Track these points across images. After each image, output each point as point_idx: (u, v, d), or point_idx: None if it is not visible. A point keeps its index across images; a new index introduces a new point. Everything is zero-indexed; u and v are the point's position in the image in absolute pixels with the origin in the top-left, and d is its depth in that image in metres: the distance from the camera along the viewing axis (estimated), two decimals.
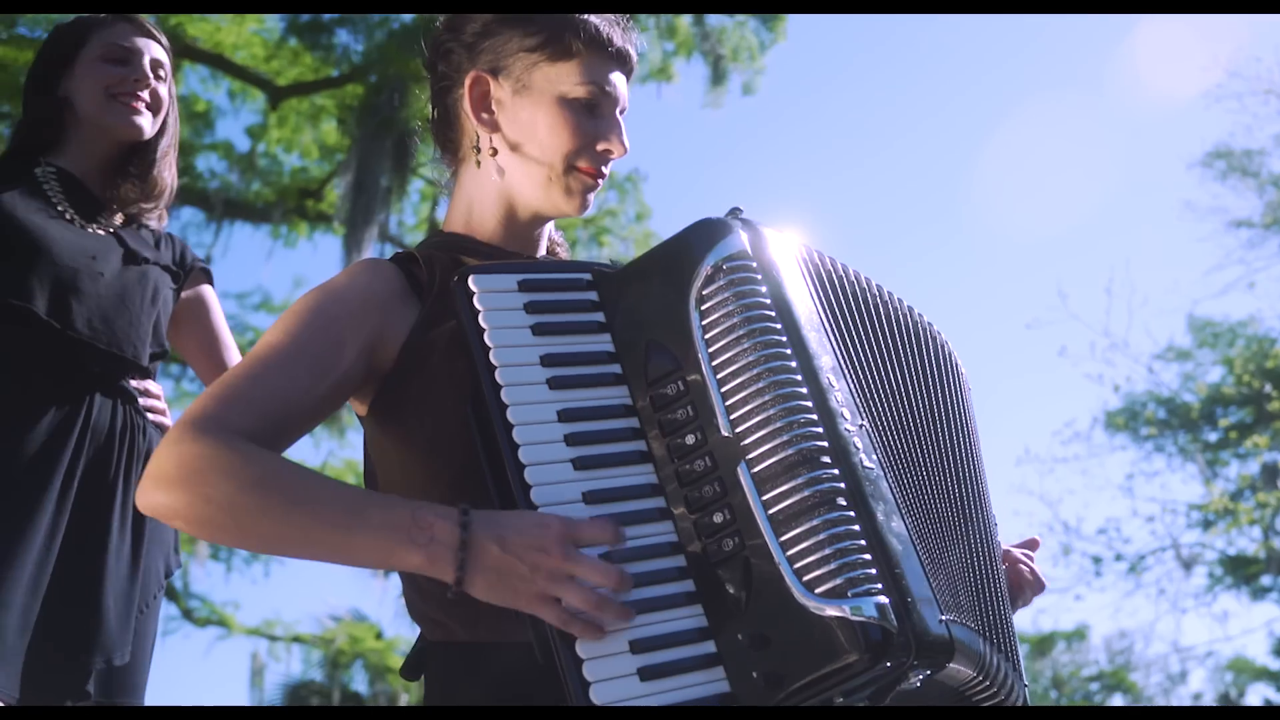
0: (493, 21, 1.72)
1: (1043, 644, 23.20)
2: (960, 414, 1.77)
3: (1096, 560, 17.60)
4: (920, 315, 1.77)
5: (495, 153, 1.72)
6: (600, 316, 1.52)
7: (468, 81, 1.72)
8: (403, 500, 1.42)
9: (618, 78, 1.73)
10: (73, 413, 2.35)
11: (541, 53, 1.69)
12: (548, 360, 1.45)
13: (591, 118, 1.70)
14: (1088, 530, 21.87)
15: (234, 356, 2.76)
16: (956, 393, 1.78)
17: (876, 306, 1.69)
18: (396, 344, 1.58)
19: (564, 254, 1.89)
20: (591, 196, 1.75)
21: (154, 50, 2.64)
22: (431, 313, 1.58)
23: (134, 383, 2.49)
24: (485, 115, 1.72)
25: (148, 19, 2.72)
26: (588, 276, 1.56)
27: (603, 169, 1.73)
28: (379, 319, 1.57)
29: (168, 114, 2.67)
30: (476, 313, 1.45)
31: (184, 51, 10.09)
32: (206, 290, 2.75)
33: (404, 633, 15.31)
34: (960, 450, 1.72)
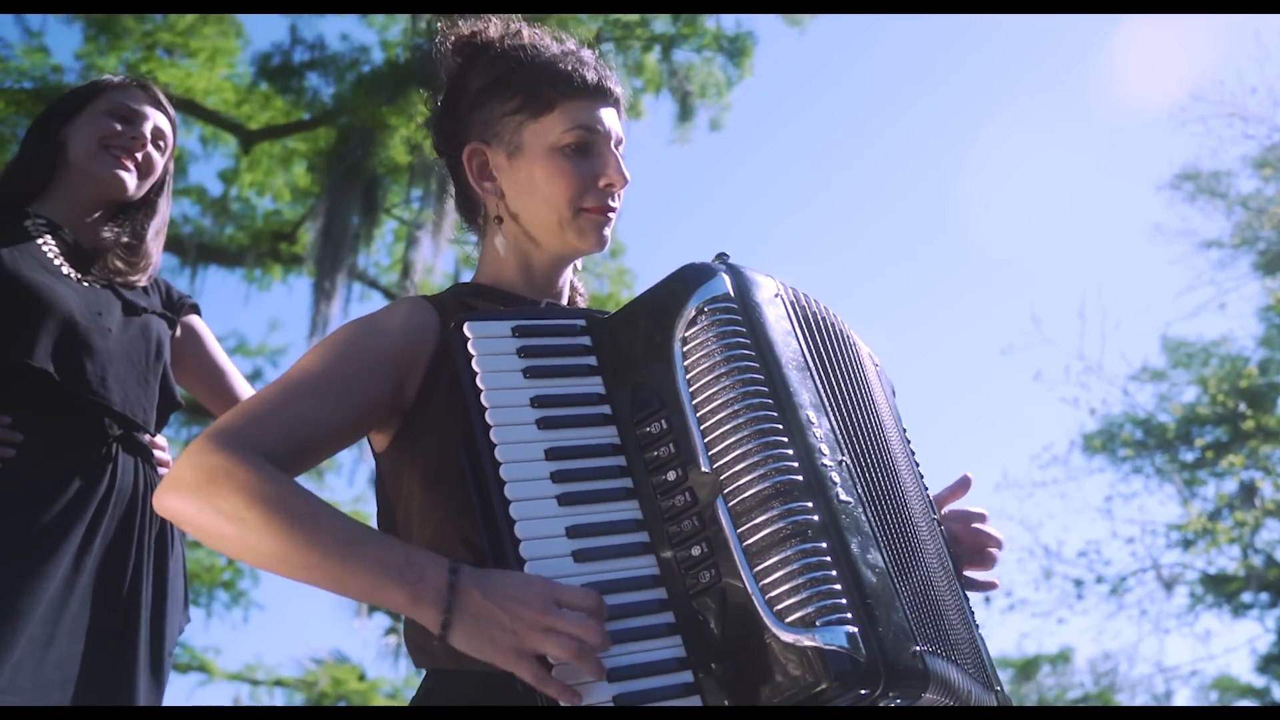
0: (476, 93, 1.79)
1: (1027, 667, 23.20)
2: (896, 423, 1.81)
3: (1078, 583, 17.62)
4: (854, 336, 1.80)
5: (500, 221, 1.80)
6: (592, 360, 1.57)
7: (465, 155, 1.79)
8: (401, 543, 1.47)
9: (604, 112, 1.78)
10: (98, 474, 2.36)
11: (523, 113, 1.75)
12: (538, 402, 1.51)
13: (586, 158, 1.76)
14: (1068, 553, 21.94)
15: (238, 383, 2.78)
16: (892, 406, 1.84)
17: (843, 341, 1.73)
18: (419, 379, 1.64)
19: (582, 303, 1.94)
20: (607, 231, 1.80)
21: (158, 119, 2.68)
22: (441, 354, 1.64)
23: (146, 437, 2.51)
24: (488, 184, 1.79)
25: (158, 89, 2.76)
26: (581, 322, 1.61)
27: (610, 202, 1.78)
28: (412, 354, 1.64)
29: (161, 191, 2.71)
30: (470, 357, 1.51)
31: None
32: (197, 322, 2.77)
33: (386, 674, 15.23)
34: (908, 465, 1.76)
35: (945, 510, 1.89)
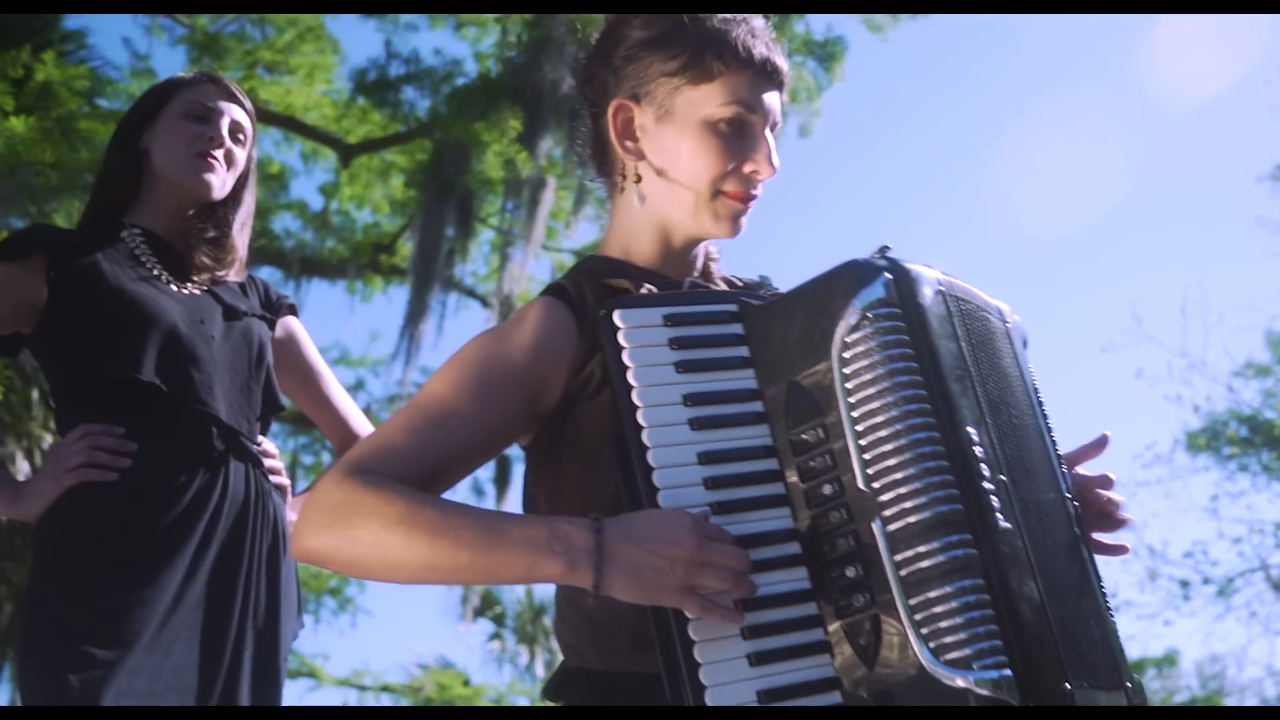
0: (636, 45, 1.70)
1: (1132, 670, 22.79)
2: (1026, 389, 1.70)
3: (1184, 584, 17.30)
4: (987, 304, 1.69)
5: (639, 179, 1.71)
6: (745, 351, 1.54)
7: (611, 110, 1.71)
8: (539, 516, 1.49)
9: (766, 93, 1.70)
10: (211, 483, 2.39)
11: (682, 76, 1.67)
12: (690, 400, 1.48)
13: (738, 139, 1.68)
14: (1174, 554, 21.43)
15: (333, 387, 2.77)
16: (1022, 366, 1.72)
17: (985, 325, 1.64)
18: (560, 386, 1.60)
19: (718, 269, 1.84)
20: (743, 219, 1.72)
21: (235, 113, 2.65)
22: (587, 347, 1.60)
23: (255, 444, 2.54)
24: (630, 143, 1.71)
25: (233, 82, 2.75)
26: (733, 308, 1.56)
27: (752, 190, 1.71)
28: (548, 363, 1.60)
29: (245, 183, 2.69)
30: (620, 349, 1.48)
31: (257, 115, 10.26)
32: (294, 324, 2.76)
33: (491, 679, 15.41)
34: (1040, 443, 1.67)
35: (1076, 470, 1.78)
